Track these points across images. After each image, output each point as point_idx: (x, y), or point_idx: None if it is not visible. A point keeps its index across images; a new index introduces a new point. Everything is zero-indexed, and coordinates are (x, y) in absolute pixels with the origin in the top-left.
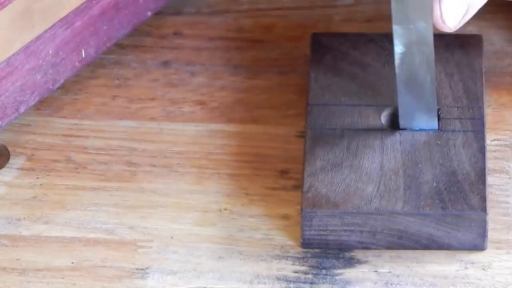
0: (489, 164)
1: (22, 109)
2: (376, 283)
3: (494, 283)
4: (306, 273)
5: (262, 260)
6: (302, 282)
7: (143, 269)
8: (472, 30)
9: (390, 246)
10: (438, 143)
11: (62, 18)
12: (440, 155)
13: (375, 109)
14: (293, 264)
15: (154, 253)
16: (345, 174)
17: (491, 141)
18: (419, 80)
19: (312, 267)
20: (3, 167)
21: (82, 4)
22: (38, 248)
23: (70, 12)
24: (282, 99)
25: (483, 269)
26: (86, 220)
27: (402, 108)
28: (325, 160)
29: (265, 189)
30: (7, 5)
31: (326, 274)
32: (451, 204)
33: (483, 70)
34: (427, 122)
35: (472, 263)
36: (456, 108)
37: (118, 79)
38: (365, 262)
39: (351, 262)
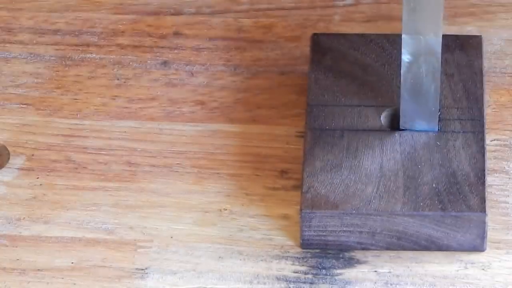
0: (489, 164)
1: None
2: (376, 283)
3: (493, 283)
4: (306, 273)
5: (262, 260)
6: (302, 282)
7: (142, 269)
8: (472, 30)
9: (389, 247)
10: (437, 144)
11: None
12: (439, 156)
13: (375, 110)
14: (293, 264)
15: (154, 253)
16: (345, 174)
17: (491, 141)
18: (423, 89)
19: (312, 267)
20: (3, 167)
21: None
22: (38, 248)
23: None
24: (282, 99)
25: (483, 269)
26: (86, 220)
27: (404, 112)
28: (325, 161)
29: (265, 189)
30: None
31: (326, 274)
32: (451, 205)
33: (483, 71)
34: (428, 125)
35: (471, 263)
36: (456, 109)
37: (118, 79)
38: (365, 262)
39: (351, 262)
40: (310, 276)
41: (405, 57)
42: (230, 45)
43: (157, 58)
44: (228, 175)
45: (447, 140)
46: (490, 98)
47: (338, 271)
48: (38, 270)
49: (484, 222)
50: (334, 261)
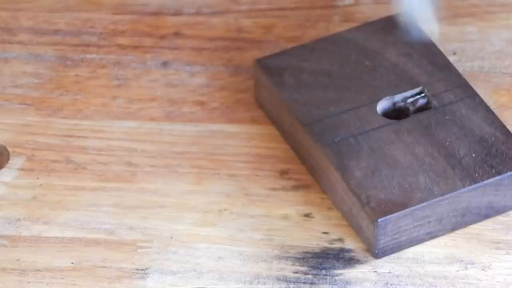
0: None
1: None
2: (376, 283)
3: (493, 284)
4: (306, 274)
5: (262, 261)
6: (302, 283)
7: (143, 270)
8: (473, 30)
9: (455, 227)
10: (446, 118)
11: None
12: (457, 128)
13: (366, 108)
14: (293, 265)
15: (154, 254)
16: (388, 174)
17: None
18: None
19: (312, 267)
20: (3, 167)
21: None
22: (38, 249)
23: None
24: None
25: (483, 270)
26: (86, 220)
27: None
28: (361, 169)
29: (265, 190)
30: None
31: (326, 275)
32: (503, 166)
33: (428, 40)
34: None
35: (472, 264)
36: (438, 83)
37: (118, 79)
38: (365, 262)
39: (351, 263)
40: (310, 276)
41: None
42: (230, 45)
43: (157, 58)
44: (228, 175)
45: (452, 112)
46: (490, 98)
47: (338, 271)
48: (38, 270)
49: None
50: (334, 261)
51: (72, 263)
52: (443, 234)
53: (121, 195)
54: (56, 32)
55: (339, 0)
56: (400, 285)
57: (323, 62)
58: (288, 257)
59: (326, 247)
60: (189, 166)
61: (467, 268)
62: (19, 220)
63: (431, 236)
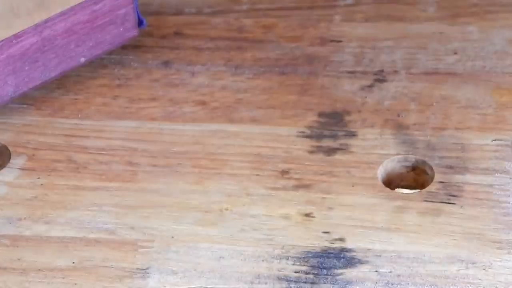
0: (490, 164)
1: None
2: (377, 283)
3: (494, 283)
4: (307, 273)
5: (263, 260)
6: (303, 282)
7: (144, 269)
8: (473, 30)
9: None
10: None
11: None
12: None
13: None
14: (294, 264)
15: (155, 253)
16: None
17: (492, 140)
18: None
19: (313, 267)
20: (4, 167)
21: (0, 42)
22: (39, 248)
23: None
24: (283, 99)
25: (484, 269)
26: (87, 220)
27: None
28: None
29: (265, 189)
30: None
31: (327, 274)
32: None
33: None
34: None
35: (473, 263)
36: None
37: (119, 79)
38: (366, 262)
39: (352, 262)
40: (311, 276)
41: None
42: (231, 45)
43: (158, 58)
44: (229, 175)
45: None
46: (491, 98)
47: (339, 271)
48: (39, 270)
49: None
50: (335, 261)
51: (73, 262)
52: None
53: (122, 195)
54: None
55: (339, 0)
56: (401, 284)
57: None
58: (289, 256)
59: (327, 246)
60: (190, 166)
61: (468, 268)
62: (20, 219)
63: None
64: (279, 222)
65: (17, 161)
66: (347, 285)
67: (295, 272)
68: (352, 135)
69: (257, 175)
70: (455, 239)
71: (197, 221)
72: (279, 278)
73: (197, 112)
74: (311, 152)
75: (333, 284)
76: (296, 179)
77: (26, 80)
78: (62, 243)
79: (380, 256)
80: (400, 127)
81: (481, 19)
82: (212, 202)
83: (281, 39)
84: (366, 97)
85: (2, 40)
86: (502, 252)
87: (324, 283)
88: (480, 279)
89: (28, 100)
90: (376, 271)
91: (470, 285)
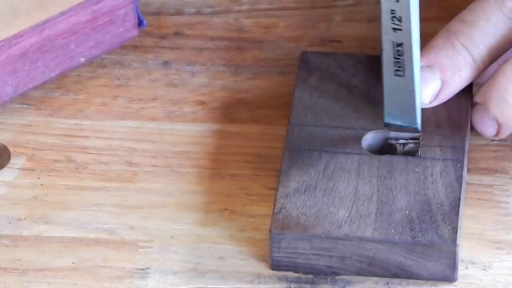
0: (490, 164)
1: None
2: (377, 283)
3: (494, 283)
4: (307, 274)
5: (263, 260)
6: (303, 283)
7: (143, 269)
8: None
9: (359, 272)
10: (415, 170)
11: None
12: (416, 182)
13: (356, 132)
14: None
15: (154, 253)
16: (318, 197)
17: (492, 141)
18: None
19: None
20: (3, 167)
21: (0, 42)
22: (39, 248)
23: None
24: (283, 99)
25: (484, 269)
26: (87, 220)
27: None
28: (300, 182)
29: (265, 189)
30: None
31: (327, 274)
32: (421, 234)
33: (471, 98)
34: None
35: (472, 263)
36: (438, 135)
37: (118, 79)
38: None
39: None
40: (311, 276)
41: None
42: (230, 45)
43: (158, 58)
44: (229, 175)
45: (425, 166)
46: None
47: None
48: (39, 270)
49: (454, 253)
50: None
51: (73, 262)
52: (346, 274)
53: (122, 195)
54: None
55: (340, 0)
56: (401, 284)
57: (357, 77)
58: None
59: None
60: (190, 166)
61: (467, 268)
62: (20, 220)
63: (333, 271)
64: None
65: (16, 161)
66: (346, 286)
67: (295, 272)
68: None
69: (257, 175)
70: None
71: (197, 221)
72: (279, 278)
73: (197, 112)
74: None
75: (333, 284)
76: None
77: (26, 80)
78: (62, 243)
79: None
80: None
81: None
82: (212, 202)
83: (281, 39)
84: None
85: (2, 40)
86: (501, 252)
87: (324, 283)
88: (479, 279)
89: (28, 100)
90: None
91: (470, 285)
